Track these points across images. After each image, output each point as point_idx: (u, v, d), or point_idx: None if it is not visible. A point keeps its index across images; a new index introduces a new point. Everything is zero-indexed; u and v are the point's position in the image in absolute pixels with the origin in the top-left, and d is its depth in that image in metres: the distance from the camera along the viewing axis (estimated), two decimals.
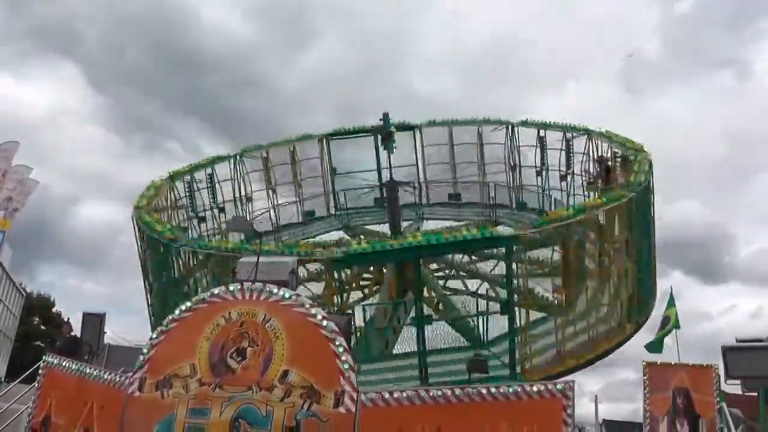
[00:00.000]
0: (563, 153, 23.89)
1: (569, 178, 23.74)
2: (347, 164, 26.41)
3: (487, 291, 18.86)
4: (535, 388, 9.06)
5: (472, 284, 20.22)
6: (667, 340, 16.78)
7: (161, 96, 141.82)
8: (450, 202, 26.12)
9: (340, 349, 9.47)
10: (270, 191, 25.01)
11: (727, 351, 14.32)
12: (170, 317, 10.58)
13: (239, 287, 10.39)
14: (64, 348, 14.27)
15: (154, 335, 10.46)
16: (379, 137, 24.10)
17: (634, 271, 18.07)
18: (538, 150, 24.60)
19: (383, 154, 25.07)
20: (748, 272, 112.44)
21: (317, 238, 22.76)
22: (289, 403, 9.18)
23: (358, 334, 15.42)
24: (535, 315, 16.53)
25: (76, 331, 16.27)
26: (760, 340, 14.58)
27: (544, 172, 24.66)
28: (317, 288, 18.99)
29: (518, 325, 15.34)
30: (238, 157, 24.36)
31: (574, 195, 23.15)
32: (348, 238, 22.15)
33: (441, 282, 20.47)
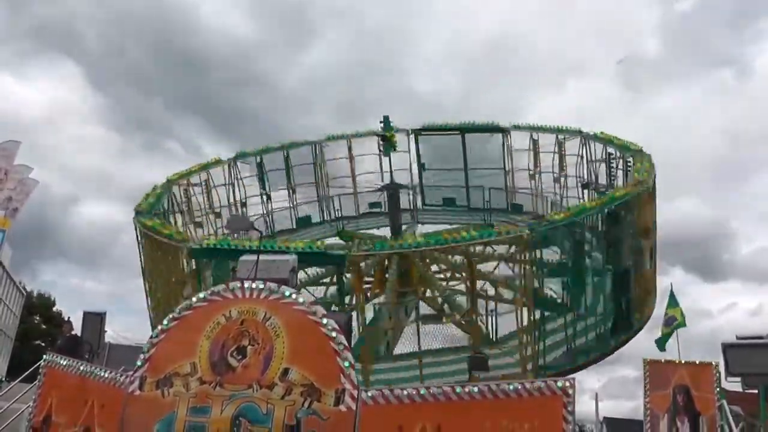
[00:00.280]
0: (556, 155, 23.92)
1: (563, 180, 23.78)
2: (343, 170, 26.31)
3: (495, 290, 18.85)
4: (535, 386, 9.07)
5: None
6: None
7: (161, 95, 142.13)
8: (444, 207, 26.06)
9: (341, 347, 9.49)
10: (264, 197, 24.90)
11: (727, 348, 14.30)
12: (171, 316, 10.59)
13: (239, 285, 10.40)
14: (65, 347, 14.28)
15: (155, 334, 10.48)
16: (379, 140, 24.03)
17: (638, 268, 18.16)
18: (532, 153, 24.64)
19: (380, 158, 25.09)
20: (749, 270, 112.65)
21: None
22: (289, 401, 9.19)
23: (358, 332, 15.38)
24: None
25: (77, 329, 16.27)
26: (761, 337, 14.56)
27: (537, 175, 24.68)
28: (319, 291, 19.05)
29: (525, 323, 15.33)
30: (231, 162, 24.24)
31: (567, 197, 23.19)
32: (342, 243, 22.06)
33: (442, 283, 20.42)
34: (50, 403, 10.88)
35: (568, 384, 8.97)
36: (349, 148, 25.75)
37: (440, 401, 9.08)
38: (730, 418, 13.84)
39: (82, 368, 10.94)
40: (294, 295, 10.12)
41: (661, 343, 16.41)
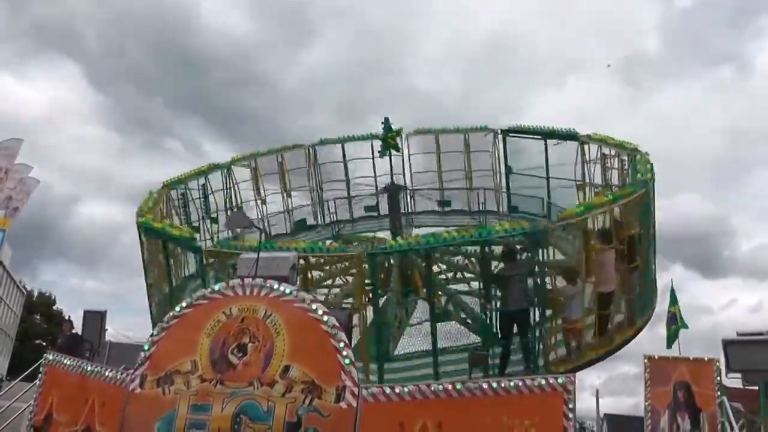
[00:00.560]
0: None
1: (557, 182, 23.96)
2: (338, 173, 26.25)
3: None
4: (536, 382, 9.09)
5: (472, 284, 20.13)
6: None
7: (161, 95, 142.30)
8: (438, 210, 26.04)
9: (341, 345, 9.49)
10: (259, 201, 24.83)
11: (728, 344, 14.34)
12: (171, 314, 10.61)
13: (240, 283, 10.42)
14: (65, 346, 14.31)
15: (155, 332, 10.49)
16: (380, 142, 23.97)
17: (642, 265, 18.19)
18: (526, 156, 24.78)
19: (373, 162, 25.14)
20: (749, 267, 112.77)
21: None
22: (290, 399, 9.20)
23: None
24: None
25: (77, 328, 16.30)
26: (761, 334, 14.58)
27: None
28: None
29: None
30: (227, 169, 24.19)
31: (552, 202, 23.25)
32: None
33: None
34: (51, 402, 10.90)
35: (568, 380, 8.99)
36: (343, 152, 25.74)
37: (441, 398, 9.10)
38: (731, 415, 13.85)
39: (82, 367, 10.96)
40: (294, 293, 10.13)
41: (668, 342, 16.36)
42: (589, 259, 15.03)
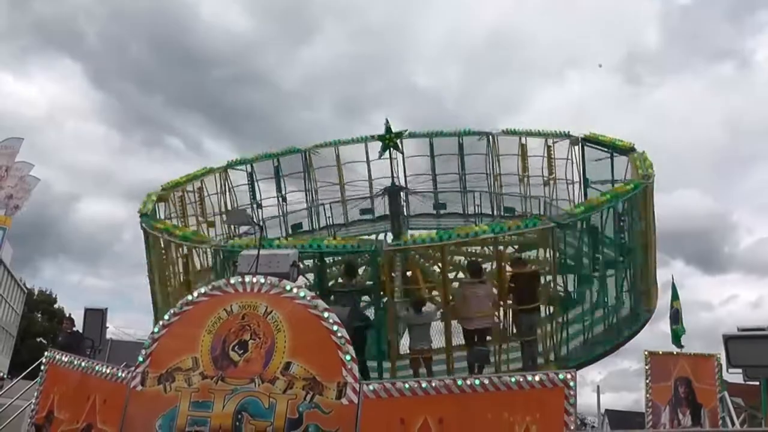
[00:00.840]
0: (545, 159, 24.18)
1: (552, 183, 24.04)
2: (333, 177, 26.23)
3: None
4: (537, 378, 9.07)
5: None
6: (668, 330, 16.85)
7: (162, 92, 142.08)
8: (432, 213, 26.07)
9: (342, 341, 9.51)
10: (255, 205, 24.78)
11: (728, 340, 14.24)
12: (172, 311, 10.63)
13: (240, 280, 10.42)
14: (66, 343, 14.29)
15: (156, 329, 10.51)
16: (381, 143, 23.97)
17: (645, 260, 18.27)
18: (520, 158, 24.89)
19: (368, 165, 25.21)
20: (749, 262, 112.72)
21: None
22: (291, 395, 9.21)
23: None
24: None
25: (78, 326, 16.29)
26: (762, 329, 14.54)
27: (526, 179, 24.90)
28: None
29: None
30: (220, 172, 24.16)
31: (557, 200, 23.28)
32: None
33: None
34: (52, 400, 10.89)
35: (569, 376, 8.97)
36: (337, 156, 25.78)
37: (442, 394, 9.09)
38: (732, 410, 13.86)
39: (83, 364, 10.97)
40: (295, 290, 10.14)
41: (676, 339, 16.32)
42: (446, 290, 14.85)
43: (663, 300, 19.18)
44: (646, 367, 13.85)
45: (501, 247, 15.43)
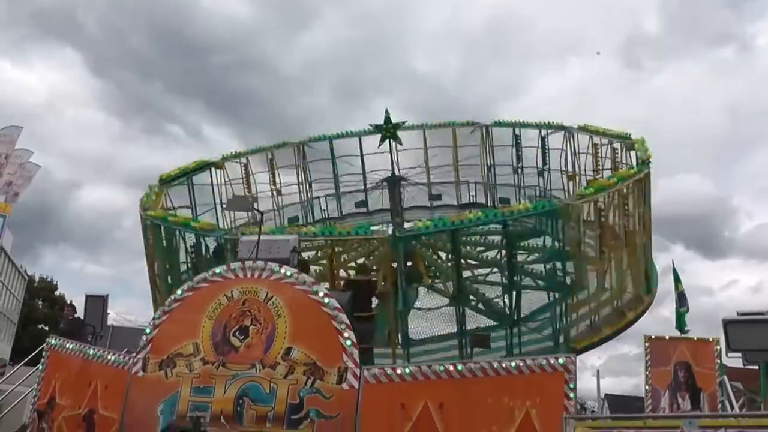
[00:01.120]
0: (539, 150, 24.32)
1: (546, 174, 24.19)
2: (328, 169, 26.19)
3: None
4: (537, 363, 9.11)
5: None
6: (669, 315, 16.96)
7: (161, 79, 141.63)
8: (426, 205, 26.08)
9: (342, 326, 9.52)
10: (251, 198, 24.68)
11: (728, 324, 14.28)
12: (172, 297, 10.65)
13: (241, 266, 10.43)
14: (68, 330, 14.30)
15: (157, 315, 10.54)
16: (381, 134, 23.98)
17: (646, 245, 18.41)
18: (514, 149, 25.00)
19: (362, 158, 25.31)
20: (749, 247, 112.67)
21: None
22: (292, 380, 9.25)
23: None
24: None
25: (79, 312, 16.30)
26: (762, 314, 14.56)
27: (519, 170, 25.00)
28: None
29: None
30: (216, 165, 24.10)
31: (551, 190, 23.39)
32: None
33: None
34: (54, 386, 10.93)
35: (569, 361, 9.01)
36: (331, 149, 25.78)
37: (442, 379, 9.13)
38: (731, 394, 13.90)
39: (85, 351, 11.00)
40: (295, 275, 10.14)
41: (681, 324, 16.30)
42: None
43: (663, 285, 19.27)
44: (646, 352, 13.86)
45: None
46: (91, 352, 10.91)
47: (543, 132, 23.84)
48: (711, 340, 13.99)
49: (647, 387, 13.62)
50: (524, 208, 15.31)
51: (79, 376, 10.73)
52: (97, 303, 16.42)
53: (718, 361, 13.79)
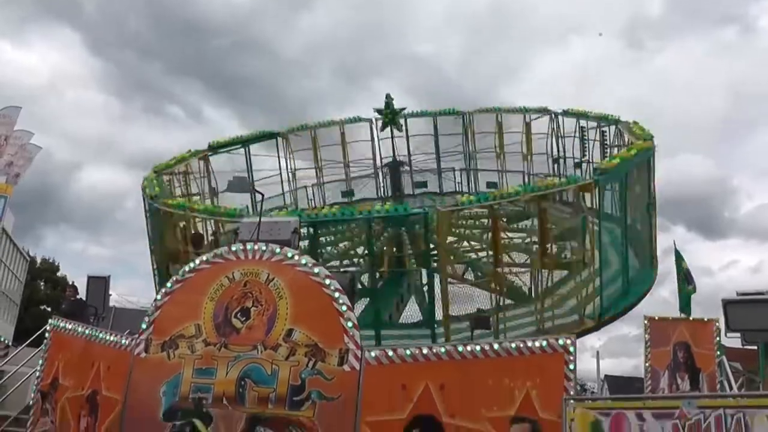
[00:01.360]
0: (523, 135, 24.48)
1: (530, 158, 24.35)
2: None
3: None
4: (537, 344, 9.15)
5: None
6: (668, 295, 17.03)
7: (161, 60, 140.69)
8: (410, 194, 26.15)
9: (344, 308, 9.55)
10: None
11: (727, 304, 14.35)
12: (174, 278, 10.67)
13: (242, 247, 10.45)
14: (70, 311, 14.34)
15: (159, 297, 10.56)
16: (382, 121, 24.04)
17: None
18: (497, 136, 25.15)
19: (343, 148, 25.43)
20: (750, 227, 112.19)
21: None
22: (294, 362, 9.29)
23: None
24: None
25: (81, 293, 16.35)
26: (761, 293, 14.60)
27: (502, 156, 25.17)
28: None
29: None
30: (205, 153, 24.03)
31: (534, 175, 23.51)
32: None
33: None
34: (57, 367, 10.99)
35: (569, 342, 9.05)
36: (314, 138, 25.79)
37: (443, 360, 9.17)
38: (730, 374, 13.96)
39: (87, 332, 11.05)
40: (296, 257, 10.16)
41: (686, 304, 16.29)
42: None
43: (663, 265, 19.34)
44: (646, 333, 13.91)
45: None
46: (94, 333, 10.95)
47: (527, 117, 24.15)
48: (710, 320, 14.04)
49: (647, 368, 13.70)
50: (551, 183, 15.58)
51: (82, 357, 10.79)
52: (99, 284, 16.47)
53: (717, 340, 13.85)
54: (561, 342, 9.06)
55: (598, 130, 21.63)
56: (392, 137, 24.28)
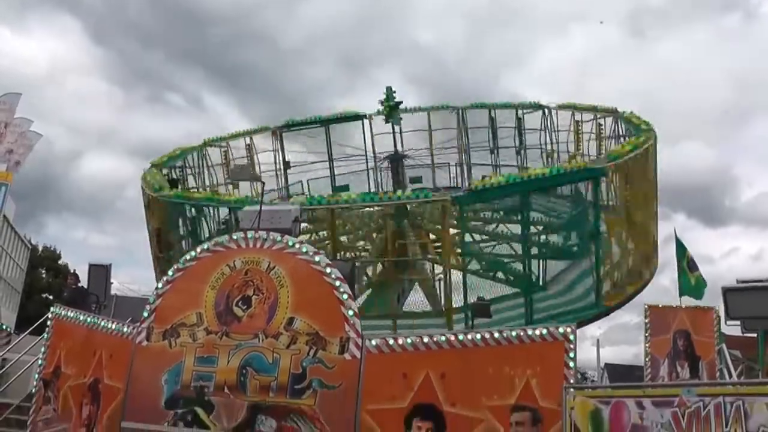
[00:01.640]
0: (516, 130, 24.62)
1: (523, 152, 24.46)
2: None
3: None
4: (537, 332, 9.16)
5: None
6: (668, 284, 17.12)
7: (162, 49, 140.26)
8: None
9: (345, 296, 9.56)
10: (231, 185, 24.66)
11: (727, 292, 14.38)
12: (175, 267, 10.68)
13: (243, 236, 10.45)
14: (72, 299, 14.38)
15: (160, 285, 10.58)
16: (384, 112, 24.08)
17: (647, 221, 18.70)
18: (490, 130, 25.27)
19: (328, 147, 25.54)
20: (750, 215, 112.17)
21: None
22: (295, 350, 9.30)
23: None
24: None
25: (83, 281, 16.40)
26: (761, 281, 14.62)
27: (495, 151, 25.31)
28: None
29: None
30: (200, 148, 24.09)
31: (527, 168, 23.67)
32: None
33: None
34: (59, 355, 11.01)
35: (569, 330, 9.07)
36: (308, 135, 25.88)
37: (444, 349, 9.19)
38: (730, 362, 14.03)
39: (89, 320, 11.07)
40: (297, 245, 10.16)
41: (700, 288, 16.24)
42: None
43: (663, 253, 19.42)
44: (646, 321, 13.95)
45: None
46: (95, 321, 10.97)
47: (519, 113, 24.35)
48: (710, 308, 14.09)
49: (647, 356, 13.74)
50: (570, 167, 15.73)
51: (83, 345, 10.81)
52: (100, 272, 16.52)
53: (717, 329, 13.89)
54: (561, 330, 9.07)
55: (594, 122, 21.78)
56: (393, 132, 24.37)
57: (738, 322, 14.52)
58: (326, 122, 24.33)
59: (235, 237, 10.53)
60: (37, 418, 10.83)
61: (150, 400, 9.56)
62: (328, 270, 9.82)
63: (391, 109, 23.10)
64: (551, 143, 23.67)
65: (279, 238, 10.25)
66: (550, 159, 23.42)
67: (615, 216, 17.17)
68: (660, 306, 14.25)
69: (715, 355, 13.57)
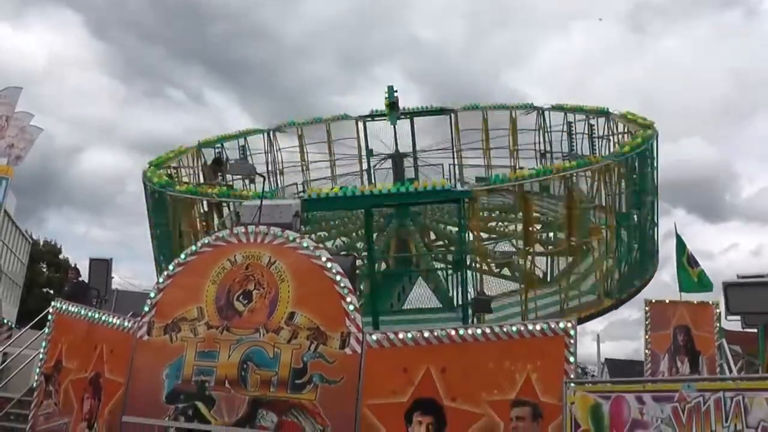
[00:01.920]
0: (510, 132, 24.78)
1: (516, 153, 24.56)
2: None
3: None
4: (537, 327, 9.17)
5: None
6: (668, 279, 17.10)
7: (163, 43, 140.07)
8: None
9: (345, 291, 9.57)
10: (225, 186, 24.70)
11: (728, 287, 14.38)
12: (176, 261, 10.68)
13: (243, 230, 10.45)
14: (72, 293, 14.39)
15: (161, 280, 10.59)
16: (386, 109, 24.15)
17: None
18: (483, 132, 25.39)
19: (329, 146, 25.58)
20: (750, 210, 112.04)
21: None
22: (296, 345, 9.31)
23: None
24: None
25: (84, 276, 16.40)
26: (761, 276, 14.63)
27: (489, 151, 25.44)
28: None
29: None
30: (195, 150, 24.09)
31: (521, 169, 23.78)
32: None
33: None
34: (60, 349, 11.04)
35: (569, 325, 9.07)
36: (300, 136, 25.91)
37: (444, 343, 9.19)
38: (730, 357, 14.02)
39: (90, 314, 11.08)
40: (298, 240, 10.16)
41: (706, 283, 16.21)
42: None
43: (667, 248, 19.45)
44: (646, 316, 13.96)
45: None
46: (96, 315, 10.99)
47: (514, 114, 24.46)
48: (710, 303, 14.08)
49: (647, 351, 13.75)
50: (574, 163, 15.85)
51: (85, 339, 10.82)
52: (101, 266, 16.53)
53: (717, 324, 13.89)
54: (561, 325, 9.07)
55: (586, 123, 21.90)
56: (395, 131, 24.46)
57: (738, 318, 14.52)
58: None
59: (236, 231, 10.54)
60: (39, 412, 10.87)
61: (151, 395, 9.57)
62: (329, 265, 9.82)
63: (390, 107, 23.16)
64: (544, 144, 23.85)
65: (280, 233, 10.26)
66: (543, 159, 23.60)
67: (616, 213, 17.19)
68: (660, 301, 14.25)
69: (716, 351, 13.57)
